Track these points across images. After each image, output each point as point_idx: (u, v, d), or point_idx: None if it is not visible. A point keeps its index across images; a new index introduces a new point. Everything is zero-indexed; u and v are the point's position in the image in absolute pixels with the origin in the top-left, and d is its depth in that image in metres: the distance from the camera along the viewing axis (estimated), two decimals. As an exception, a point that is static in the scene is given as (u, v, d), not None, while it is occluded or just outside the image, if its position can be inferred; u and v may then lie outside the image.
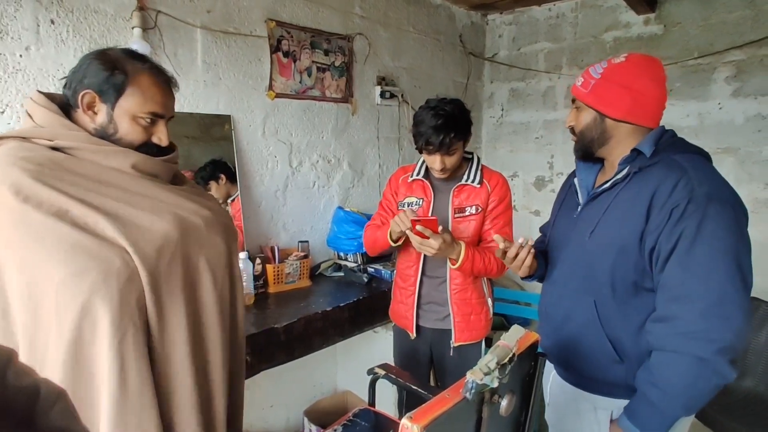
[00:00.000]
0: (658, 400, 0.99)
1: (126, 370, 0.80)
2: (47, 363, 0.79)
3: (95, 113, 0.90)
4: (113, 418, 0.79)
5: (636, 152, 1.07)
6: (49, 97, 0.92)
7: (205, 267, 0.94)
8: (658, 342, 1.00)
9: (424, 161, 1.66)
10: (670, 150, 1.05)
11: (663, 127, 1.10)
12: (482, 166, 1.65)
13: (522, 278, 1.30)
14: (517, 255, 1.21)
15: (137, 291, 0.82)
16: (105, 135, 0.90)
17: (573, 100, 1.17)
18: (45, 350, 0.79)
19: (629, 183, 1.06)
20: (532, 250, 1.21)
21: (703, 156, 1.07)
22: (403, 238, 1.56)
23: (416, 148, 1.58)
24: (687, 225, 0.95)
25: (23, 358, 0.78)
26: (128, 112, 0.89)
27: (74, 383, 0.79)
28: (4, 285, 0.79)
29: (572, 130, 1.17)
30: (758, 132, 2.37)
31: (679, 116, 2.56)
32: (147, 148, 0.93)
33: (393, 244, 1.60)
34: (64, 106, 0.92)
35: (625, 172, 1.07)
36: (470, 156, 1.65)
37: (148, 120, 0.91)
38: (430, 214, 1.60)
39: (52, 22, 1.52)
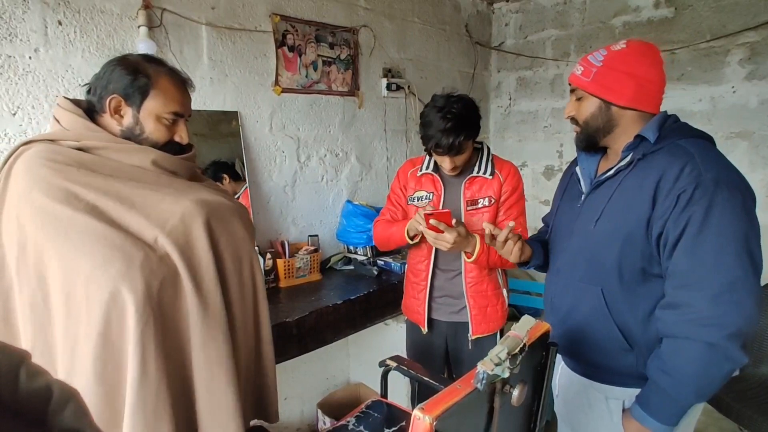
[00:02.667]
0: (670, 388, 0.98)
1: (146, 356, 0.85)
2: (78, 354, 0.84)
3: (122, 116, 0.95)
4: (135, 401, 0.84)
5: (640, 138, 1.05)
6: (75, 102, 0.97)
7: (227, 248, 0.98)
8: (669, 329, 0.99)
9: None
10: (675, 135, 1.03)
11: (665, 112, 1.09)
12: (493, 156, 1.61)
13: (518, 265, 1.30)
14: (506, 241, 1.21)
15: (158, 282, 0.87)
16: (132, 136, 0.96)
17: (572, 90, 1.14)
18: (75, 341, 0.84)
19: (634, 170, 1.05)
20: (519, 239, 1.21)
21: (708, 140, 1.06)
22: (420, 235, 1.55)
23: (425, 150, 1.56)
24: (695, 211, 0.94)
25: (60, 346, 0.84)
26: (153, 113, 0.95)
27: (104, 371, 0.84)
28: (47, 276, 0.84)
29: (573, 120, 1.15)
30: (773, 115, 2.32)
31: (691, 101, 2.51)
32: (169, 147, 0.99)
33: (410, 242, 1.58)
34: (89, 111, 0.97)
35: (629, 158, 1.06)
36: (479, 146, 1.61)
37: (171, 120, 0.97)
38: (440, 208, 1.58)
39: (60, 23, 1.53)
